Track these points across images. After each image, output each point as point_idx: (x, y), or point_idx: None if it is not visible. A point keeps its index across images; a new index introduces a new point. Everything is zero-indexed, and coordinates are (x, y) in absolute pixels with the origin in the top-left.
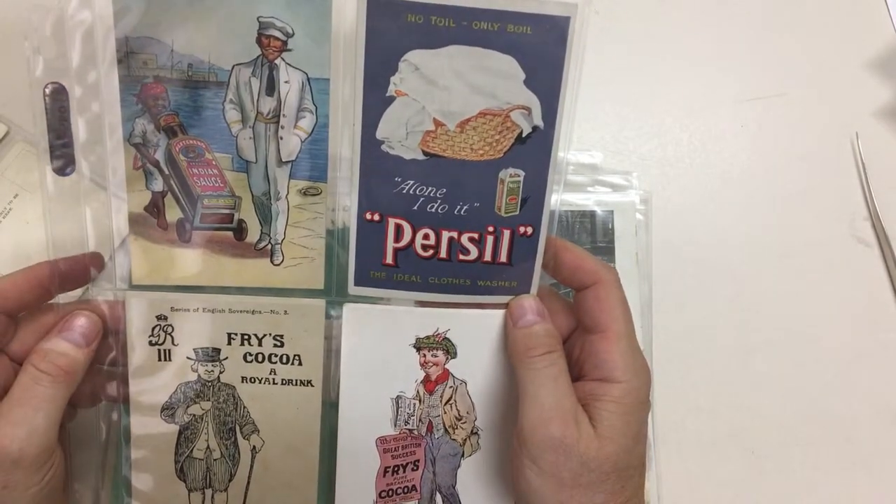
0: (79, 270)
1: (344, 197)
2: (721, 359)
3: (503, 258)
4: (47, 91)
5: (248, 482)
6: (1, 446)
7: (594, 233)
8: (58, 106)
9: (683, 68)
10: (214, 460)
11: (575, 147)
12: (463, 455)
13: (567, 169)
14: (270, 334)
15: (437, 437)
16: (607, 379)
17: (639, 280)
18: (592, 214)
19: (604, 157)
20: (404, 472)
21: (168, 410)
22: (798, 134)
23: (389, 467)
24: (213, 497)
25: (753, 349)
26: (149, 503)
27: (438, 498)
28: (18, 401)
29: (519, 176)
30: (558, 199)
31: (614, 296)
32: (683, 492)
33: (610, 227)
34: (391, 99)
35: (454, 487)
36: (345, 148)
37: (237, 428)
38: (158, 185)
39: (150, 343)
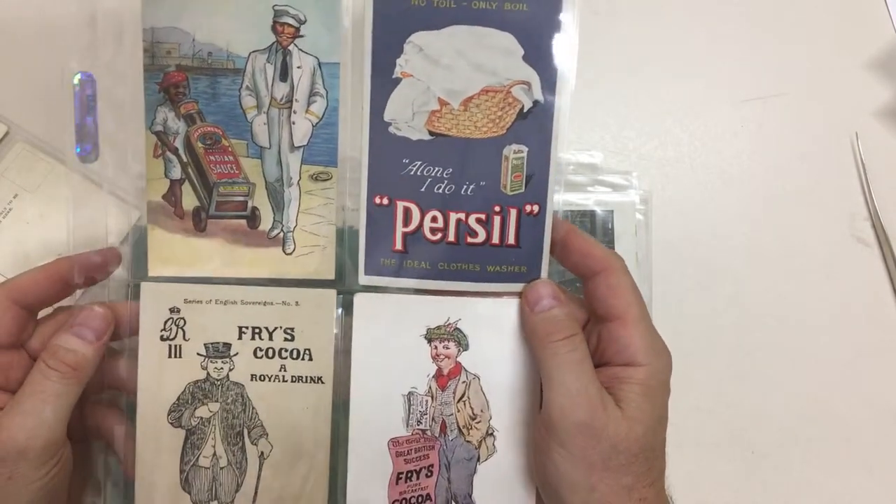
0: (97, 265)
1: (353, 198)
2: (721, 359)
3: (511, 240)
4: (76, 80)
5: (256, 493)
6: (8, 436)
7: (594, 233)
8: (85, 94)
9: (683, 68)
10: (221, 469)
11: (575, 147)
12: (479, 459)
13: (568, 169)
14: (281, 327)
15: (451, 438)
16: (630, 363)
17: (639, 280)
18: (592, 214)
19: (604, 157)
20: (418, 478)
21: (175, 413)
22: (798, 134)
23: (402, 473)
24: None
25: (753, 349)
26: None
27: None
28: (28, 394)
29: (522, 152)
30: (563, 178)
31: (626, 281)
32: (684, 492)
33: (610, 227)
34: (397, 81)
35: (471, 497)
36: (354, 132)
37: (245, 432)
38: (177, 172)
39: (162, 338)
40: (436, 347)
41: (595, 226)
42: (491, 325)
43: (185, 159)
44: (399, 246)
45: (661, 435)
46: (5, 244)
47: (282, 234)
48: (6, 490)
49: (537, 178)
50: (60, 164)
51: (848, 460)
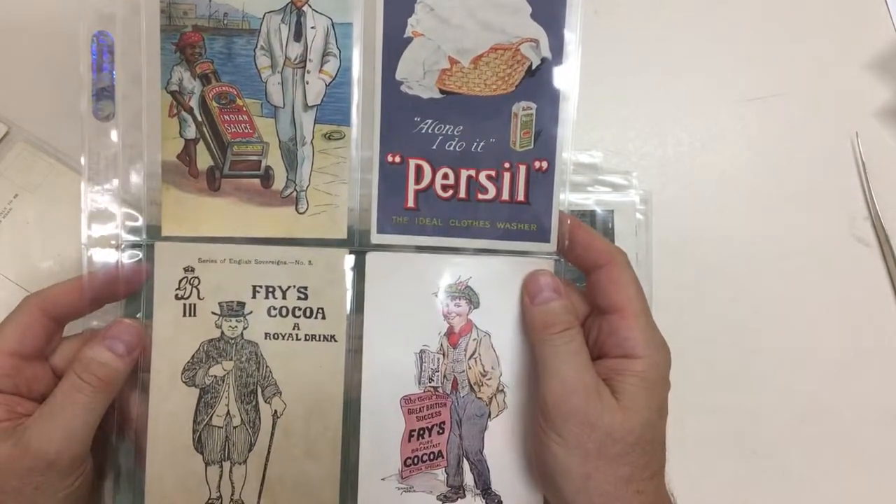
0: (125, 279)
1: (366, 157)
2: (721, 359)
3: (520, 196)
4: (94, 40)
5: (269, 452)
6: (39, 448)
7: None
8: (101, 53)
9: (683, 68)
10: (234, 428)
11: (575, 147)
12: (490, 416)
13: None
14: (295, 286)
15: (462, 395)
16: (629, 355)
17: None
18: (592, 214)
19: (604, 157)
20: (430, 435)
21: (189, 371)
22: (798, 134)
23: (415, 430)
24: (231, 470)
25: (753, 349)
26: (163, 480)
27: (466, 465)
28: (59, 406)
29: (531, 109)
30: (570, 136)
31: (627, 275)
32: (683, 492)
33: (610, 227)
34: (409, 40)
35: (482, 453)
36: (366, 91)
37: (259, 390)
38: (191, 132)
39: (177, 297)
40: (447, 305)
41: (595, 226)
42: (501, 283)
43: (199, 119)
44: (411, 203)
45: (660, 428)
46: (5, 244)
47: (295, 194)
48: (33, 499)
49: (546, 134)
50: (60, 163)
51: (848, 460)
